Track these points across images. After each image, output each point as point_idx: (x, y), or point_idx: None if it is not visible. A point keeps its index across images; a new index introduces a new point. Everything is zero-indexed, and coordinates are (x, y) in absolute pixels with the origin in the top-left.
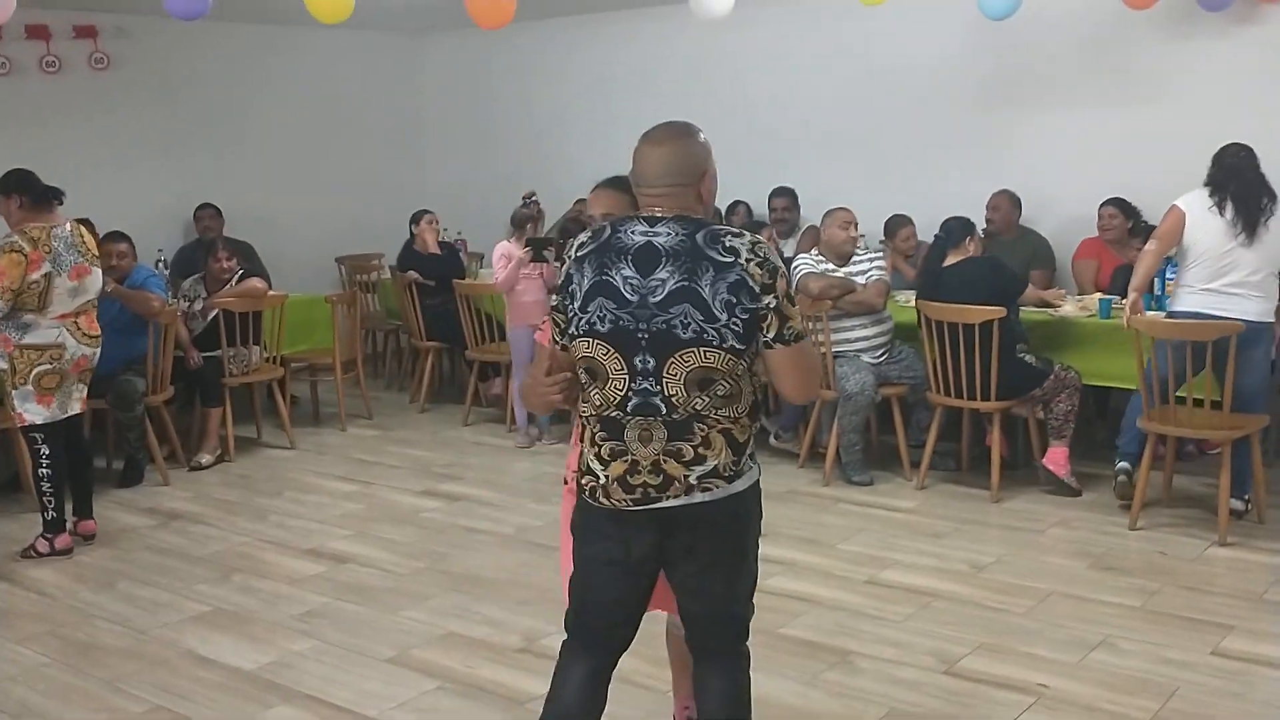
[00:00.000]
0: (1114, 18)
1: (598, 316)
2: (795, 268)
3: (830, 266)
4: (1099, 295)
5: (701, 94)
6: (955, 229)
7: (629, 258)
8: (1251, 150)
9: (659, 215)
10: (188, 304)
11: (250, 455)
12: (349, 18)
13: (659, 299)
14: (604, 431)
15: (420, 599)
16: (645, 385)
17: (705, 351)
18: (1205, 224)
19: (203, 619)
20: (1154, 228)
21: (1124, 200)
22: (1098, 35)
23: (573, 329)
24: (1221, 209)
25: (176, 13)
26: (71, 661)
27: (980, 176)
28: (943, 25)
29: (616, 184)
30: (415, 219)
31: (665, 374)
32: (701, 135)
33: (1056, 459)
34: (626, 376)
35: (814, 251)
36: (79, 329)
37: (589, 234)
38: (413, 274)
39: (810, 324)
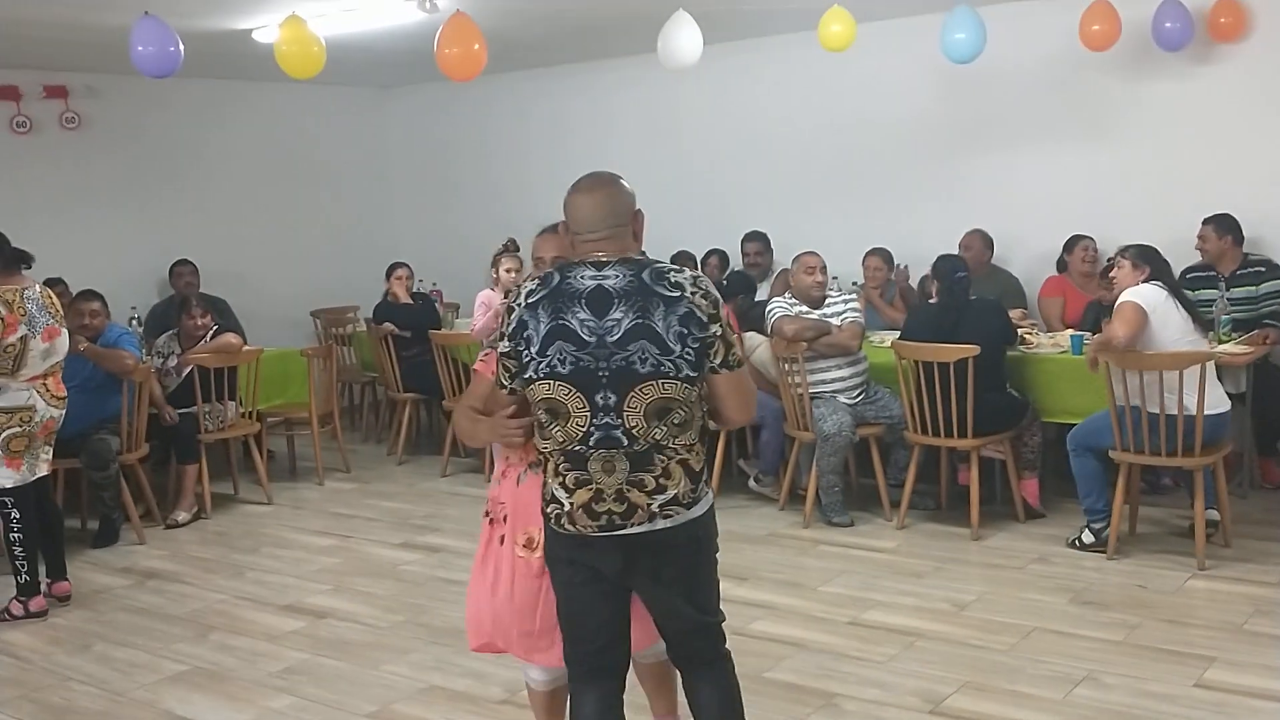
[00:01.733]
0: (1074, 59)
1: (558, 359)
2: (770, 310)
3: (804, 309)
4: (1070, 331)
5: (670, 142)
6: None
7: (582, 301)
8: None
9: (604, 260)
10: (162, 360)
11: (227, 512)
12: (319, 73)
13: (616, 338)
14: (568, 463)
15: (401, 653)
16: (607, 420)
17: (663, 383)
18: (1168, 316)
19: (180, 679)
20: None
21: (1089, 236)
22: (1059, 77)
23: (530, 373)
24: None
25: (147, 71)
26: None
27: (949, 218)
28: (908, 69)
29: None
30: (388, 272)
31: (626, 408)
32: (624, 180)
33: (1032, 490)
34: (588, 413)
35: (787, 295)
36: (48, 390)
37: (537, 281)
38: (388, 325)
39: (786, 365)
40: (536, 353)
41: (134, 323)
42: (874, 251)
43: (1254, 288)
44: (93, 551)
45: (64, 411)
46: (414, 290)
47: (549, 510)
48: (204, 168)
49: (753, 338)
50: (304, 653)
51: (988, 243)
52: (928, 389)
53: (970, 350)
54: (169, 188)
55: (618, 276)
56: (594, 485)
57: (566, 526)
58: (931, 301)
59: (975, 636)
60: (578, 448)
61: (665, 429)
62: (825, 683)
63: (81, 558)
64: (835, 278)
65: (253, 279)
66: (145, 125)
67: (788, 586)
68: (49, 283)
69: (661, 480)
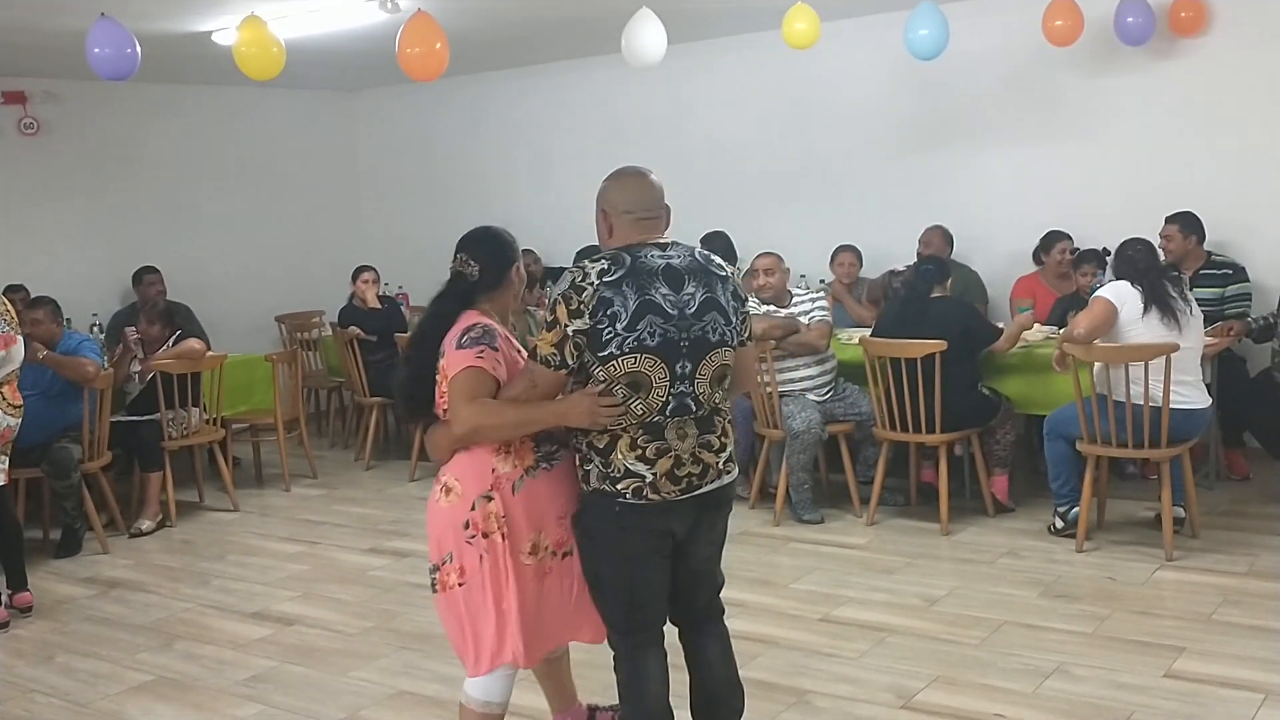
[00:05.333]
0: (1037, 55)
1: (648, 333)
2: None
3: (772, 308)
4: (1037, 325)
5: (635, 143)
6: (938, 269)
7: (660, 277)
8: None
9: (664, 241)
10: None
11: (192, 519)
12: (282, 76)
13: (693, 310)
14: (646, 435)
15: (370, 659)
16: (681, 388)
17: (725, 351)
18: (1137, 312)
19: (145, 689)
20: (1092, 251)
21: (1067, 233)
22: (1022, 72)
23: (614, 348)
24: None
25: (104, 73)
26: None
27: (914, 215)
28: (872, 66)
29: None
30: (354, 275)
31: (697, 375)
32: None
33: (1002, 486)
34: (668, 383)
35: (753, 294)
36: (4, 399)
37: (607, 261)
38: (354, 330)
39: (755, 364)
40: (624, 328)
41: (95, 329)
42: (844, 248)
43: (1220, 290)
44: (55, 561)
45: (20, 420)
46: (380, 294)
47: (621, 486)
48: (166, 173)
49: None
50: (272, 660)
51: (948, 239)
52: (895, 385)
53: (937, 346)
54: (130, 193)
55: (679, 256)
56: (673, 453)
57: (650, 496)
58: (898, 285)
59: (946, 631)
60: (656, 418)
61: (721, 393)
62: (797, 679)
63: (44, 568)
64: (804, 276)
65: (216, 284)
66: (106, 130)
67: (759, 584)
68: (9, 289)
69: (722, 439)
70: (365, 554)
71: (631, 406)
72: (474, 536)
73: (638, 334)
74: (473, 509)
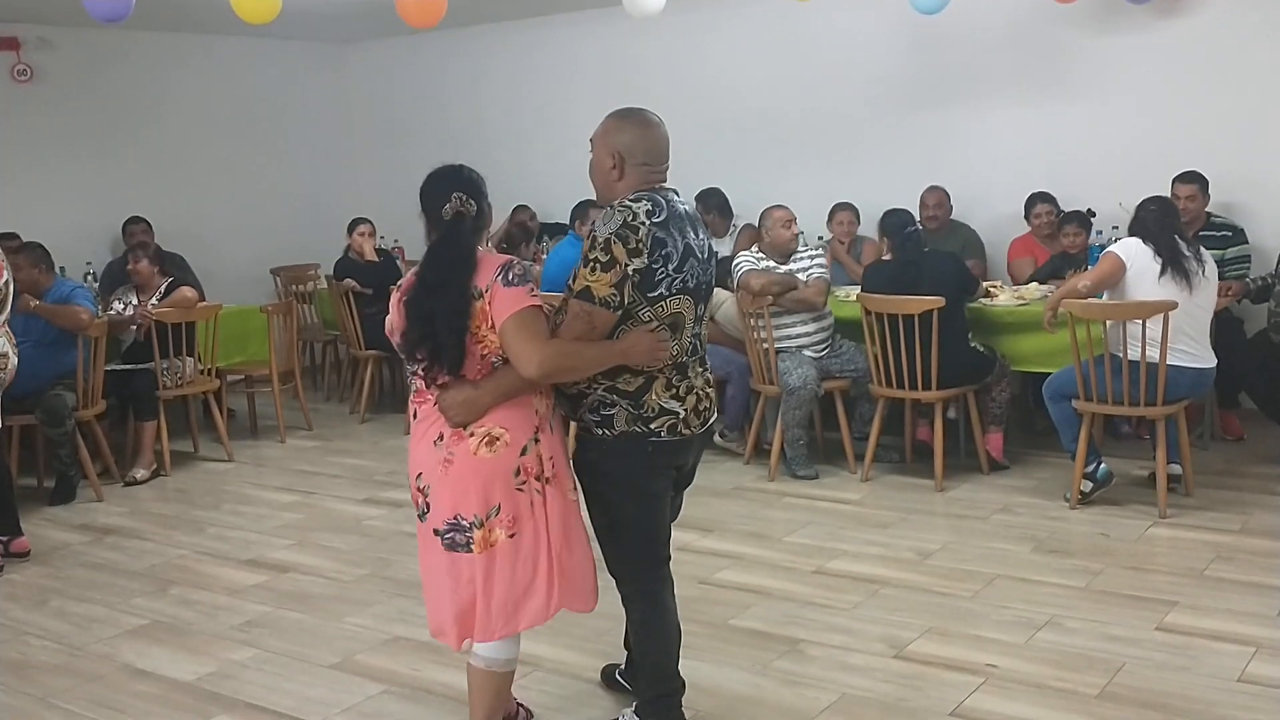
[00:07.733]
0: (1041, 12)
1: (690, 275)
2: (737, 265)
3: (771, 264)
4: (1034, 284)
5: (633, 97)
6: (920, 230)
7: (687, 222)
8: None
9: (673, 187)
10: (122, 306)
11: (187, 469)
12: (277, 27)
13: (706, 256)
14: (678, 374)
15: (364, 605)
16: (697, 329)
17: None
18: (1147, 270)
19: (139, 632)
20: (1076, 212)
21: (1050, 194)
22: (1026, 30)
23: (663, 289)
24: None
25: (99, 15)
26: (2, 680)
27: (913, 173)
28: (874, 21)
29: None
30: (350, 228)
31: (702, 318)
32: None
33: (997, 444)
34: (692, 324)
35: (754, 248)
36: (7, 336)
37: (649, 203)
38: (349, 282)
39: (752, 320)
40: (674, 269)
41: (89, 279)
42: (842, 206)
43: (1220, 251)
44: (50, 509)
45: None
46: (376, 246)
47: (655, 425)
48: (161, 123)
49: (718, 293)
50: (266, 606)
51: (947, 199)
52: (892, 342)
53: (935, 302)
54: (124, 143)
55: (688, 205)
56: (695, 391)
57: (683, 432)
58: (886, 259)
59: (939, 584)
60: (684, 358)
61: (704, 335)
62: (790, 629)
63: (38, 515)
64: (801, 233)
65: (210, 236)
66: (100, 79)
67: (753, 537)
68: (3, 236)
69: (711, 377)
70: (360, 504)
71: (670, 346)
72: (525, 483)
73: (683, 275)
74: (523, 453)
